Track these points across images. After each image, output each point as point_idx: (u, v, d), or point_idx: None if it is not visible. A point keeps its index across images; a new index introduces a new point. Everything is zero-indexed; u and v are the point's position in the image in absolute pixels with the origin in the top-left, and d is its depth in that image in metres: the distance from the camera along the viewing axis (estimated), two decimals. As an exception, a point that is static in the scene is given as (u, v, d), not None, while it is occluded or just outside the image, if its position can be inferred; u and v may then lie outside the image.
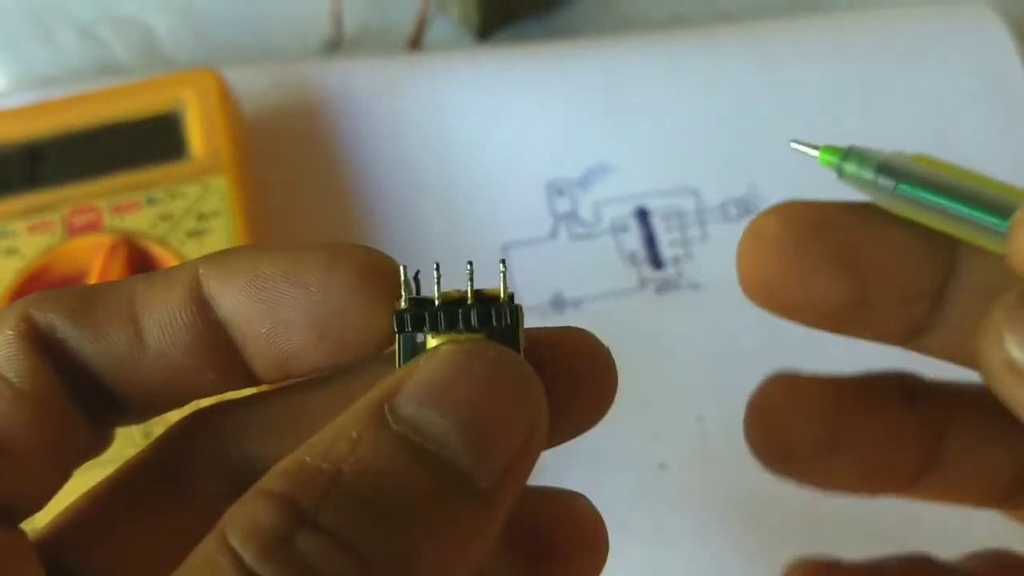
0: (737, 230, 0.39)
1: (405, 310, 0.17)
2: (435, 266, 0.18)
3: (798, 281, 0.21)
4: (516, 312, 0.17)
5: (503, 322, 0.17)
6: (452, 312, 0.17)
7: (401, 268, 0.18)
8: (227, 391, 0.19)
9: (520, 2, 0.47)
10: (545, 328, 0.19)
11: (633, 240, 0.39)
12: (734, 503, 0.35)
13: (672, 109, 0.42)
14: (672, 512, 0.35)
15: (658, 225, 0.40)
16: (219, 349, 0.18)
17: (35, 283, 0.34)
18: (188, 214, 0.35)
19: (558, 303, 0.38)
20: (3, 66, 0.48)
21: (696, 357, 0.37)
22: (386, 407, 0.16)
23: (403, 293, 0.17)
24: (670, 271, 0.39)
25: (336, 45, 0.47)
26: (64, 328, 0.18)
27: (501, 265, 0.18)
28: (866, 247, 0.21)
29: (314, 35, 0.47)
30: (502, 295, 0.18)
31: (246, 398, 0.20)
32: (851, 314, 0.21)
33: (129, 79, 0.42)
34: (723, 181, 0.41)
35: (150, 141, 0.37)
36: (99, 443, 0.19)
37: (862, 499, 0.25)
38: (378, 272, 0.18)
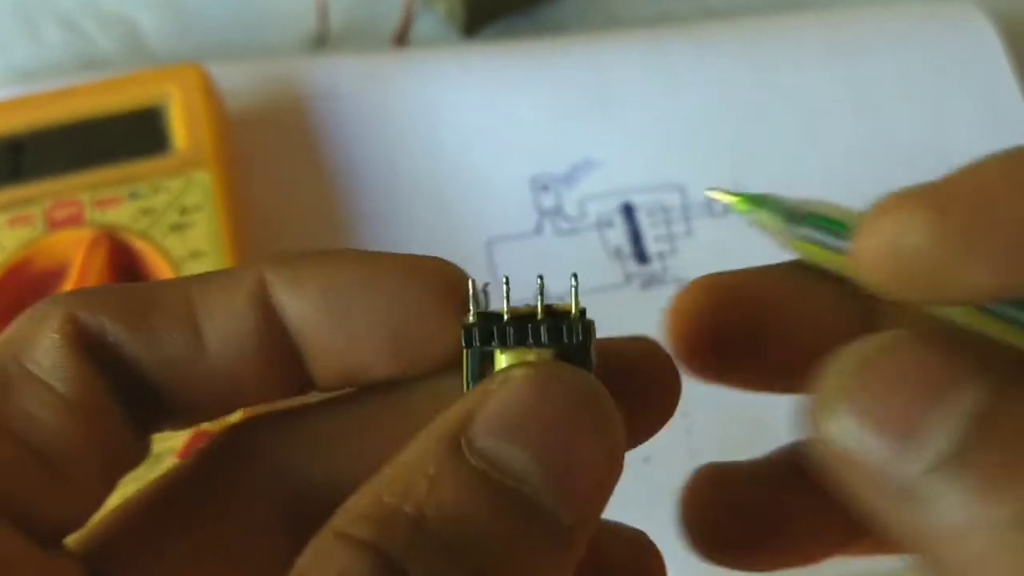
0: (722, 226, 0.39)
1: (473, 324, 0.17)
2: (504, 280, 0.17)
3: (721, 354, 0.20)
4: (588, 328, 0.17)
5: (575, 338, 0.17)
6: (522, 327, 0.17)
7: (470, 281, 0.17)
8: (280, 399, 0.18)
9: (505, -1, 0.47)
10: (611, 338, 0.19)
11: (618, 235, 0.39)
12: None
13: (658, 105, 0.42)
14: (656, 506, 0.35)
15: (643, 220, 0.40)
16: (281, 356, 0.18)
17: (15, 277, 0.34)
18: (171, 208, 0.35)
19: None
20: (-14, 60, 0.47)
21: (681, 352, 0.37)
22: (463, 440, 0.15)
23: (471, 307, 0.17)
24: (655, 266, 0.39)
25: (322, 40, 0.47)
26: (116, 331, 0.17)
27: (573, 279, 0.17)
28: (783, 312, 0.20)
29: (300, 30, 0.47)
30: (573, 310, 0.17)
31: (291, 409, 0.19)
32: (778, 376, 0.21)
33: (113, 73, 0.41)
34: (709, 177, 0.41)
35: (133, 135, 0.37)
36: (143, 451, 0.18)
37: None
38: (453, 284, 0.18)
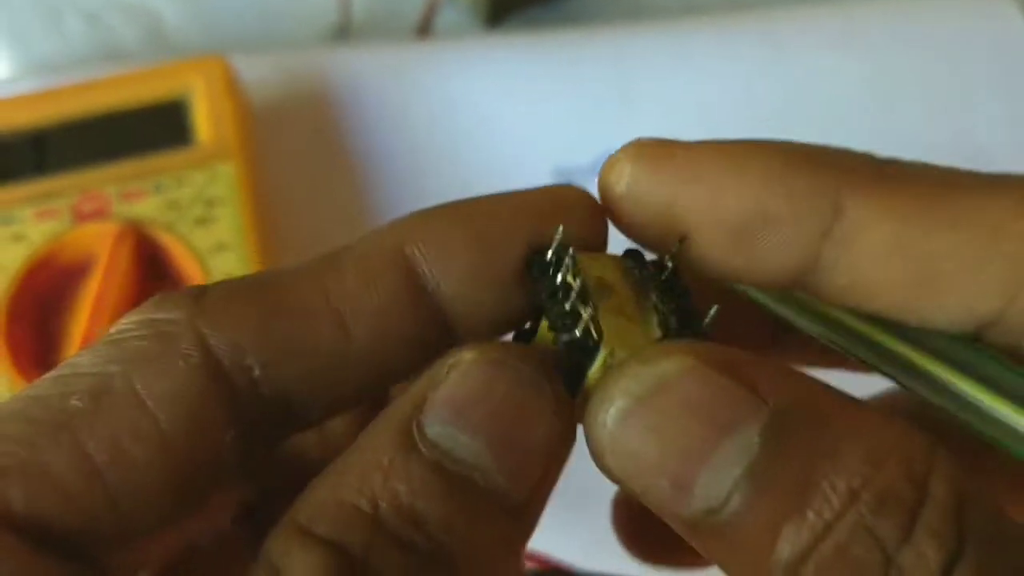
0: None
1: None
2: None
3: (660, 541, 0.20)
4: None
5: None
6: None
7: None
8: (425, 366, 0.16)
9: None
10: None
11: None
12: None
13: (681, 96, 0.42)
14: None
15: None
16: (429, 325, 0.17)
17: (42, 270, 0.34)
18: (195, 201, 0.35)
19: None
20: (9, 52, 0.48)
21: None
22: (414, 429, 0.15)
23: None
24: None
25: (344, 32, 0.47)
26: (255, 353, 0.15)
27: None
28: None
29: (322, 22, 0.47)
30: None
31: None
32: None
33: (135, 65, 0.41)
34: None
35: (157, 128, 0.37)
36: (247, 471, 0.16)
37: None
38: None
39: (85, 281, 0.34)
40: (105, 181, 0.36)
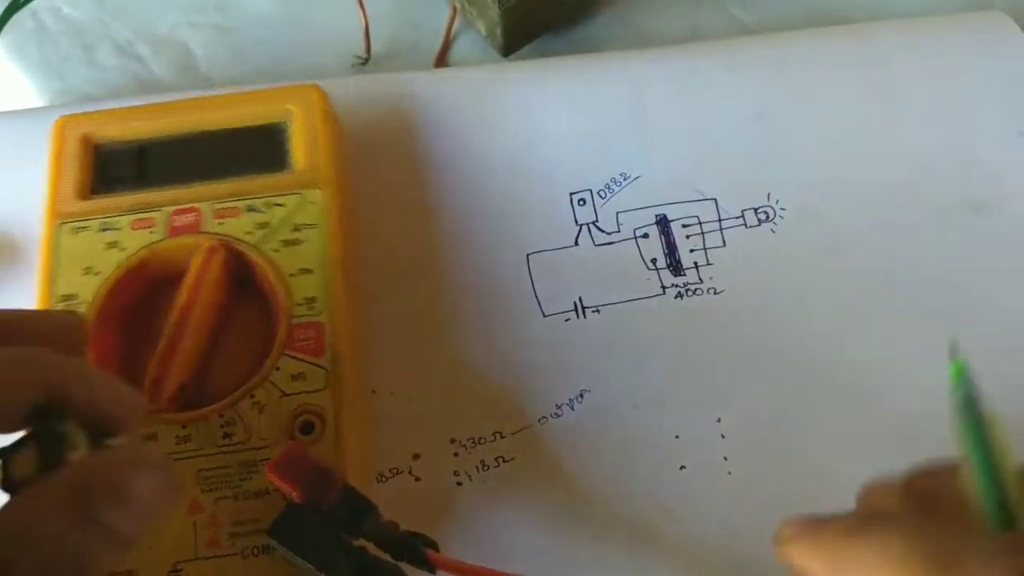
0: (755, 236, 0.40)
1: None
2: None
3: None
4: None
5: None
6: None
7: None
8: None
9: (542, 19, 0.48)
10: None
11: (654, 247, 0.40)
12: (752, 505, 0.36)
13: (693, 119, 0.43)
14: (693, 512, 0.36)
15: (678, 232, 0.41)
16: None
17: (133, 278, 0.35)
18: (284, 224, 0.36)
19: (581, 309, 0.39)
20: (44, 82, 0.49)
21: (715, 361, 0.38)
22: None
23: None
24: (690, 277, 0.40)
25: (365, 62, 0.48)
26: None
27: None
28: None
29: (346, 53, 0.49)
30: None
31: None
32: None
33: (167, 96, 0.43)
34: (742, 189, 0.42)
35: (254, 150, 0.38)
36: None
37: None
38: None
39: (172, 292, 0.35)
40: (201, 198, 0.37)
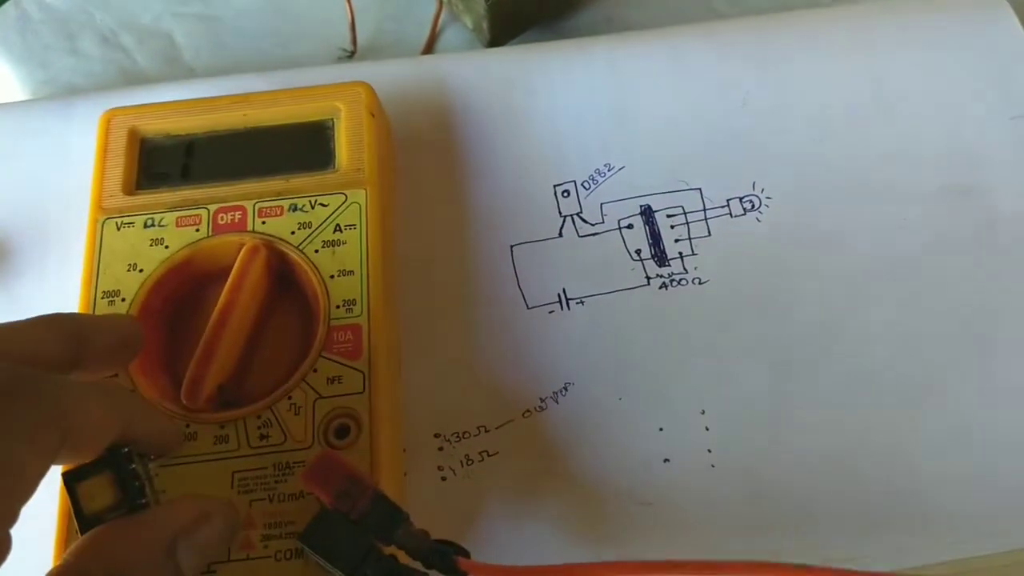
0: (740, 226, 0.40)
1: None
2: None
3: None
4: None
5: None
6: None
7: None
8: None
9: (529, 13, 0.48)
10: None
11: (638, 238, 0.40)
12: (736, 497, 0.35)
13: (677, 106, 0.43)
14: (676, 505, 0.36)
15: (663, 222, 0.40)
16: None
17: (177, 274, 0.35)
18: (326, 224, 0.36)
19: (565, 300, 0.39)
20: (27, 73, 0.49)
21: (700, 352, 0.38)
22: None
23: None
24: (674, 267, 0.40)
25: (351, 55, 0.48)
26: None
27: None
28: None
29: (332, 45, 0.49)
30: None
31: None
32: None
33: (152, 87, 0.43)
34: (727, 178, 0.41)
35: (301, 147, 0.38)
36: None
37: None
38: None
39: (214, 288, 0.35)
40: (245, 195, 0.36)
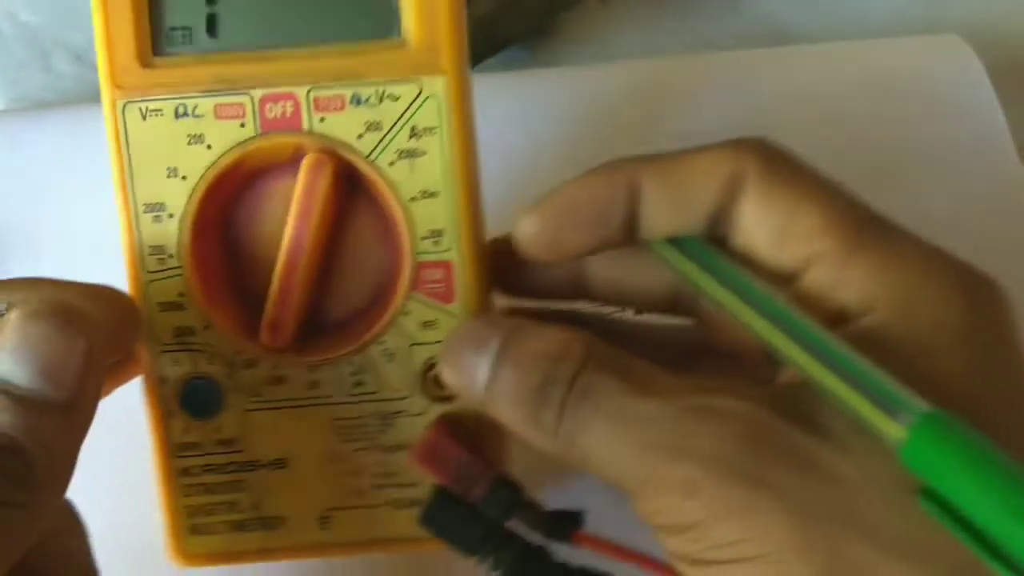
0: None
1: None
2: None
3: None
4: None
5: None
6: None
7: None
8: None
9: (508, 32, 0.48)
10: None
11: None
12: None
13: (654, 135, 0.43)
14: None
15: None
16: None
17: (227, 180, 0.29)
18: (400, 126, 0.28)
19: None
20: (0, 90, 0.49)
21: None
22: None
23: None
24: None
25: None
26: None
27: None
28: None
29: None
30: None
31: None
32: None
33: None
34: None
35: (355, 8, 0.29)
36: None
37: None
38: None
39: (268, 185, 0.29)
40: (294, 76, 0.28)
